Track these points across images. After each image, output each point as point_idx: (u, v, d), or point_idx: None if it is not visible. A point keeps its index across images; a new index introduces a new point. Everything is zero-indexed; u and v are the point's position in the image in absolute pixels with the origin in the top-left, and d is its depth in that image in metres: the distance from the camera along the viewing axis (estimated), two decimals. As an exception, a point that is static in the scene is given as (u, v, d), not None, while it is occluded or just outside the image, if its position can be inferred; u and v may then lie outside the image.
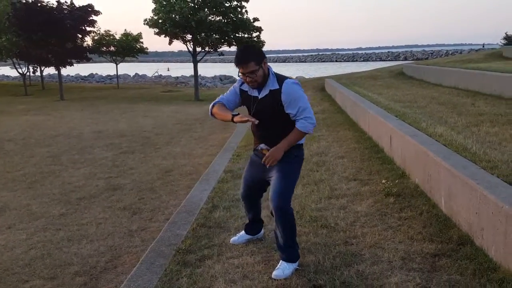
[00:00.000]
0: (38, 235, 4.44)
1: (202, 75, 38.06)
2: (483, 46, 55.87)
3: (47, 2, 21.31)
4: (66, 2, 21.77)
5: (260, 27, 20.40)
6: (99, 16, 22.54)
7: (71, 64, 22.58)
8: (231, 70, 67.63)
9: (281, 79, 3.06)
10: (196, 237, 3.74)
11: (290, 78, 3.13)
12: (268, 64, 3.08)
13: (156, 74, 49.30)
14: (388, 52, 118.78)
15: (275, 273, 3.04)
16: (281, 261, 3.13)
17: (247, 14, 20.22)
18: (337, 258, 3.25)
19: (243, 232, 3.67)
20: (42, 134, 10.91)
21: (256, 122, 2.94)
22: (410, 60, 76.23)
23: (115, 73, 32.80)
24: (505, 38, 32.94)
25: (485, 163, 3.79)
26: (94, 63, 29.01)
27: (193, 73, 21.79)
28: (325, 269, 3.09)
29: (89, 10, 21.84)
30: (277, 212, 3.06)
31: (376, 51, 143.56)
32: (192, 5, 19.65)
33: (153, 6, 19.87)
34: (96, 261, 3.81)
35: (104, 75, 46.75)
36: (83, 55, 23.08)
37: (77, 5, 21.98)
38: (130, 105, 18.11)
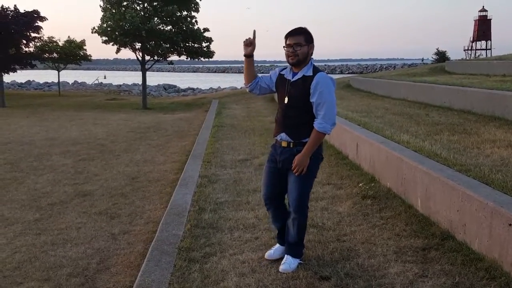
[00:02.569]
0: (19, 240, 4.26)
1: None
2: (422, 61, 59.78)
3: None
4: (9, 7, 20.81)
5: (210, 38, 20.52)
6: (44, 22, 21.69)
7: (14, 71, 21.49)
8: (175, 79, 67.13)
9: (317, 70, 3.10)
10: (194, 237, 3.79)
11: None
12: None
13: (97, 81, 47.83)
14: (325, 65, 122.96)
15: (282, 268, 3.17)
16: (286, 255, 3.26)
17: (197, 24, 20.32)
18: (335, 253, 3.44)
19: (277, 245, 3.46)
20: (-10, 140, 10.31)
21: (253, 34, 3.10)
22: (346, 73, 79.49)
23: (53, 81, 31.53)
24: (436, 54, 35.35)
25: (458, 167, 4.15)
26: (31, 70, 27.70)
27: (134, 81, 21.46)
28: (327, 263, 3.27)
29: (34, 16, 20.97)
30: (295, 213, 3.14)
31: (315, 64, 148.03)
32: (143, 13, 19.45)
33: (101, 14, 19.45)
34: (87, 263, 3.74)
35: (41, 82, 44.71)
36: (26, 62, 22.05)
37: (22, 11, 21.06)
38: (77, 112, 17.48)
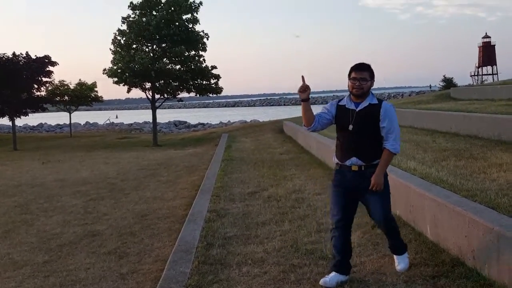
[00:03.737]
0: (28, 282, 4.28)
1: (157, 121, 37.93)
2: (430, 88, 60.01)
3: (3, 54, 21.08)
4: (21, 54, 21.56)
5: (218, 75, 20.98)
6: (55, 66, 22.41)
7: (26, 114, 22.05)
8: (186, 115, 67.92)
9: (380, 99, 3.46)
10: (201, 274, 3.78)
11: None
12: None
13: (108, 121, 48.62)
14: (333, 95, 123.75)
15: (400, 268, 3.58)
16: (396, 257, 3.67)
17: (205, 62, 20.80)
18: (344, 285, 3.40)
19: (333, 273, 3.48)
20: (4, 184, 10.47)
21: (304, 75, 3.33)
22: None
23: (65, 122, 32.10)
24: (443, 81, 35.49)
25: (465, 192, 4.13)
26: (43, 113, 28.35)
27: (145, 119, 21.84)
28: (336, 296, 3.23)
29: (45, 61, 21.67)
30: (385, 225, 3.53)
31: (322, 95, 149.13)
32: (152, 55, 20.00)
33: (112, 56, 20.02)
34: (98, 304, 3.73)
35: (53, 125, 45.52)
36: (38, 105, 22.64)
37: (33, 56, 21.78)
38: (88, 152, 17.72)
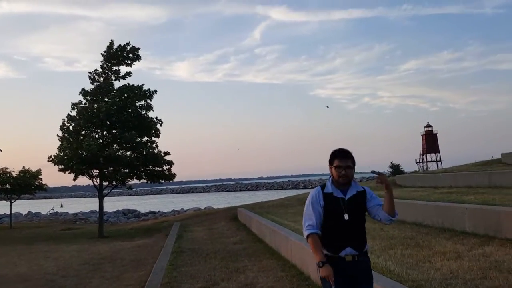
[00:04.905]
0: None
1: (104, 210, 36.58)
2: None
3: None
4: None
5: (171, 161, 20.80)
6: (-2, 154, 21.60)
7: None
8: (136, 203, 66.06)
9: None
10: None
11: None
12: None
13: (52, 211, 46.34)
14: (289, 181, 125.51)
15: None
16: None
17: (157, 148, 20.60)
18: None
19: None
20: None
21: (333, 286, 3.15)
22: (309, 188, 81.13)
23: (5, 212, 30.36)
24: (391, 167, 36.91)
25: (410, 283, 4.16)
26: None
27: (92, 208, 21.05)
28: None
29: (-15, 148, 20.89)
30: None
31: (278, 180, 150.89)
32: (101, 141, 19.71)
33: (59, 143, 19.61)
34: None
35: (-10, 216, 42.82)
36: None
37: None
38: (28, 246, 16.60)
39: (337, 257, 3.28)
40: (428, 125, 75.31)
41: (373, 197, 3.44)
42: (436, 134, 75.19)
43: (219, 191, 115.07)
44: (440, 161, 71.56)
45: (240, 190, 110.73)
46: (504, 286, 4.16)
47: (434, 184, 14.11)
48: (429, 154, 73.70)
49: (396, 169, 35.69)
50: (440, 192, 10.93)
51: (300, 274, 6.90)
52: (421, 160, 73.13)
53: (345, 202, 3.32)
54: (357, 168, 3.53)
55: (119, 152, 19.86)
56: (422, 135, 75.18)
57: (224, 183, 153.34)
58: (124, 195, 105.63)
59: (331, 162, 3.41)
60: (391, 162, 37.35)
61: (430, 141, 73.91)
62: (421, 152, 74.04)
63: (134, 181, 21.26)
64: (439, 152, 73.76)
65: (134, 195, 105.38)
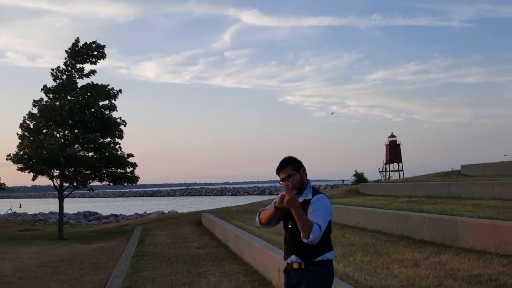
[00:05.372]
0: None
1: (64, 212, 35.58)
2: (343, 182, 63.10)
3: None
4: None
5: (135, 163, 20.46)
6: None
7: None
8: (98, 205, 64.54)
9: (317, 191, 3.24)
10: None
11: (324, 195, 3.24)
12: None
13: (10, 211, 44.73)
14: (254, 186, 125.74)
15: None
16: None
17: (120, 150, 20.24)
18: None
19: None
20: None
21: (295, 192, 3.07)
22: (274, 194, 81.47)
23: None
24: (355, 175, 37.64)
25: (368, 289, 4.26)
26: None
27: (52, 209, 20.43)
28: None
29: None
30: None
31: (243, 186, 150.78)
32: (63, 141, 19.22)
33: (18, 141, 18.98)
34: None
35: None
36: None
37: None
38: (-17, 246, 15.97)
39: (286, 263, 3.32)
40: (392, 135, 77.15)
41: (313, 210, 3.15)
42: (399, 144, 77.08)
43: (184, 195, 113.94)
44: (402, 170, 73.37)
45: (206, 195, 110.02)
46: (457, 293, 4.33)
47: (395, 193, 14.50)
48: (392, 164, 75.44)
49: (360, 178, 36.43)
50: (400, 201, 11.25)
51: (262, 279, 6.94)
52: (384, 170, 74.78)
53: (290, 210, 3.14)
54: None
55: (81, 153, 19.39)
56: (386, 145, 76.93)
57: (190, 187, 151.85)
58: (86, 197, 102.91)
59: (279, 177, 3.30)
60: (355, 171, 38.14)
61: (394, 151, 75.69)
62: (385, 162, 75.73)
63: (96, 183, 20.78)
64: (401, 162, 75.63)
65: (95, 197, 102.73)
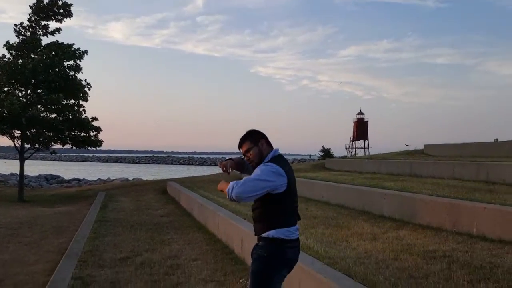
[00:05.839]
0: None
1: (25, 174, 34.69)
2: (310, 157, 63.93)
3: None
4: None
5: (99, 127, 19.98)
6: None
7: None
8: (60, 168, 63.23)
9: (272, 160, 3.12)
10: None
11: (274, 164, 3.07)
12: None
13: (-32, 171, 43.29)
14: (222, 157, 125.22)
15: None
16: None
17: (85, 113, 19.75)
18: None
19: None
20: None
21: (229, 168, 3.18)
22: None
23: None
24: (322, 151, 38.20)
25: (327, 260, 4.38)
26: None
27: (12, 171, 19.88)
28: None
29: None
30: None
31: (211, 156, 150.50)
32: (25, 100, 18.56)
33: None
34: None
35: None
36: None
37: None
38: None
39: None
40: (361, 113, 78.19)
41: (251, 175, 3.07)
42: (367, 122, 78.27)
43: (149, 163, 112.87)
44: (368, 148, 74.89)
45: (172, 164, 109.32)
46: (412, 267, 4.51)
47: (360, 170, 14.81)
48: (359, 141, 76.78)
49: (327, 153, 37.01)
50: (364, 177, 11.51)
51: (225, 248, 7.03)
52: (350, 146, 76.09)
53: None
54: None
55: (44, 114, 18.81)
56: (354, 122, 78.04)
57: (156, 155, 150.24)
58: (48, 160, 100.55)
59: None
60: (323, 146, 38.69)
61: (361, 128, 76.89)
62: (351, 138, 77.01)
63: (58, 146, 20.26)
64: (368, 140, 77.10)
65: (58, 160, 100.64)
